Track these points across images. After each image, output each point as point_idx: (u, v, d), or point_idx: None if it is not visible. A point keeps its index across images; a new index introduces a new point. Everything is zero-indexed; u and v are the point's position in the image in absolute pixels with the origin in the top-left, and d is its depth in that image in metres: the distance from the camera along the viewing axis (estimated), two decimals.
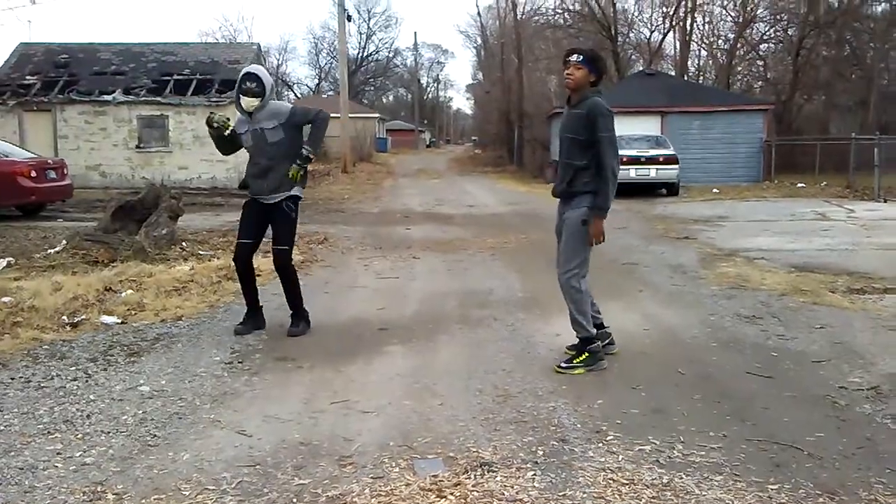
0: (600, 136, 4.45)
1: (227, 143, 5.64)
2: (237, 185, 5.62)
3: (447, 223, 13.24)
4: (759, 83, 35.93)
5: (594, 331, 4.69)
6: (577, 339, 4.69)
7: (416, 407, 3.99)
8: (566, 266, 4.64)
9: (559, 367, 4.60)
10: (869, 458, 3.33)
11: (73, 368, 4.66)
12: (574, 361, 4.60)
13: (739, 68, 35.82)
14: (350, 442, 3.54)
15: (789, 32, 32.96)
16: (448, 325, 5.76)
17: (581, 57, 4.60)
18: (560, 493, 3.00)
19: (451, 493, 3.00)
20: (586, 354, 4.61)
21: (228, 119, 5.60)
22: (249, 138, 5.46)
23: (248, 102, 5.35)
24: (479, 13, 67.62)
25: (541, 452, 3.40)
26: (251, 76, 5.38)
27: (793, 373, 4.54)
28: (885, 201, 15.95)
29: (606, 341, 4.87)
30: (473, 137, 72.02)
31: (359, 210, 16.03)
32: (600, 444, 3.48)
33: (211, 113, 5.67)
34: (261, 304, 5.70)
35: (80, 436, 3.62)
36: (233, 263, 5.76)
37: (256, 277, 5.77)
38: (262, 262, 7.33)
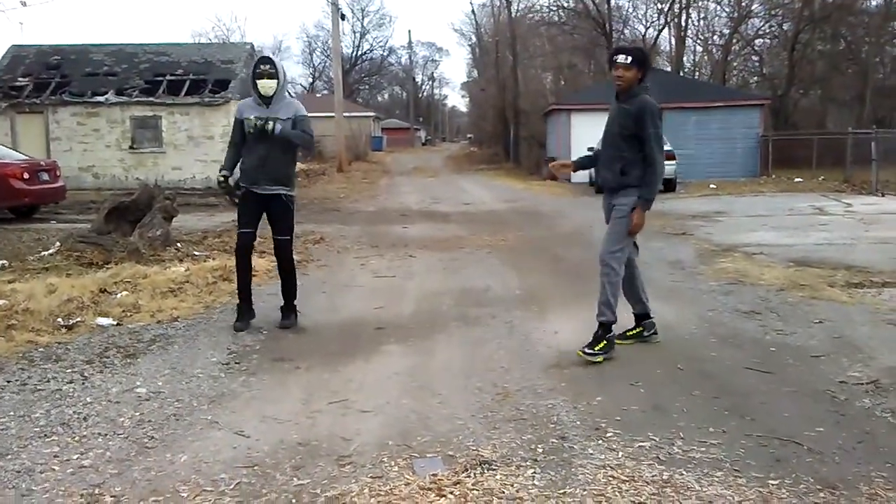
0: (648, 132, 4.67)
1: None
2: (229, 190, 5.57)
3: (444, 221, 13.22)
4: (755, 78, 36.04)
5: (616, 317, 4.76)
6: (598, 323, 4.74)
7: (415, 406, 3.97)
8: (610, 247, 4.80)
9: (583, 351, 4.66)
10: (869, 453, 3.32)
11: (69, 371, 4.63)
12: (596, 348, 4.68)
13: (735, 64, 35.89)
14: (348, 442, 3.52)
15: (784, 27, 33.05)
16: (446, 324, 5.74)
17: (629, 58, 4.73)
18: (560, 491, 2.99)
19: (451, 492, 2.98)
20: (605, 342, 4.70)
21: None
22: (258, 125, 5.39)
23: (267, 85, 5.36)
24: (473, 11, 67.44)
25: (540, 450, 3.38)
26: (265, 59, 5.44)
27: (792, 368, 4.53)
28: (883, 195, 15.97)
29: (652, 331, 5.10)
30: (469, 135, 71.87)
31: (355, 209, 16.00)
32: (600, 441, 3.47)
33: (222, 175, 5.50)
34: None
35: (77, 438, 3.60)
36: (234, 256, 5.74)
37: (253, 276, 5.82)
38: (259, 263, 7.31)
